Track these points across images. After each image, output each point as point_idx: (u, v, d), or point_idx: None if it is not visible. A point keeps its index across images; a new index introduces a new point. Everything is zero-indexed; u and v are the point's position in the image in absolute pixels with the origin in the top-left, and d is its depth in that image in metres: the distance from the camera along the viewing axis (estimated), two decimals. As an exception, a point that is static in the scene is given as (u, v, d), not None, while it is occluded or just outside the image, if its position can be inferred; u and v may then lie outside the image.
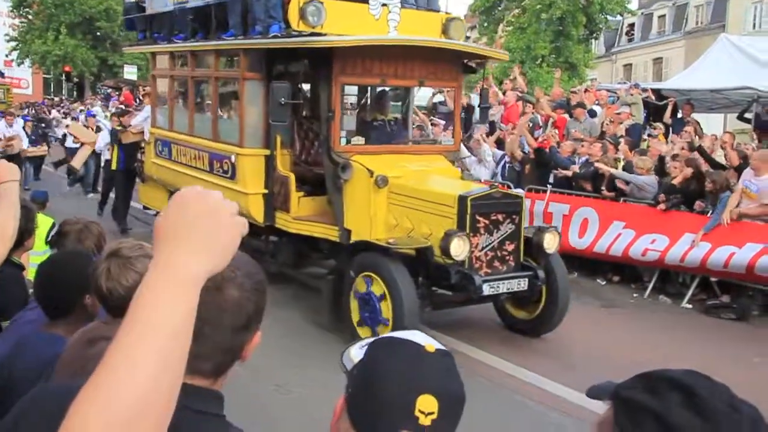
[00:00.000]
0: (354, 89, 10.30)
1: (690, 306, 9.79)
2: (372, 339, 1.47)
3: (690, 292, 9.92)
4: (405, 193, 7.86)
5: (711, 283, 9.91)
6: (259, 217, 9.12)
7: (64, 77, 50.91)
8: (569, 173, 11.48)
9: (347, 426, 1.38)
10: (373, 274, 7.35)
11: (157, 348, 1.03)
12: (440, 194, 7.60)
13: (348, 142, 8.51)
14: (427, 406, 1.33)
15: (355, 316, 7.47)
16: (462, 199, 7.32)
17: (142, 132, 12.31)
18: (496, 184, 9.24)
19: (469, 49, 8.81)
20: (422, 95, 12.70)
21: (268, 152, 9.04)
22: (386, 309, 7.17)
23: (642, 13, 45.25)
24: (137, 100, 32.75)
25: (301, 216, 8.82)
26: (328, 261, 9.34)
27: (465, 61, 8.98)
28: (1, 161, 2.68)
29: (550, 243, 7.69)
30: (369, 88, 9.73)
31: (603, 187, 11.01)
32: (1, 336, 3.29)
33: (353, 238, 8.14)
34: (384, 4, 8.55)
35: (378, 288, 7.32)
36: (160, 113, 11.63)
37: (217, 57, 9.61)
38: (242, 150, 9.09)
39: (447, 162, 8.83)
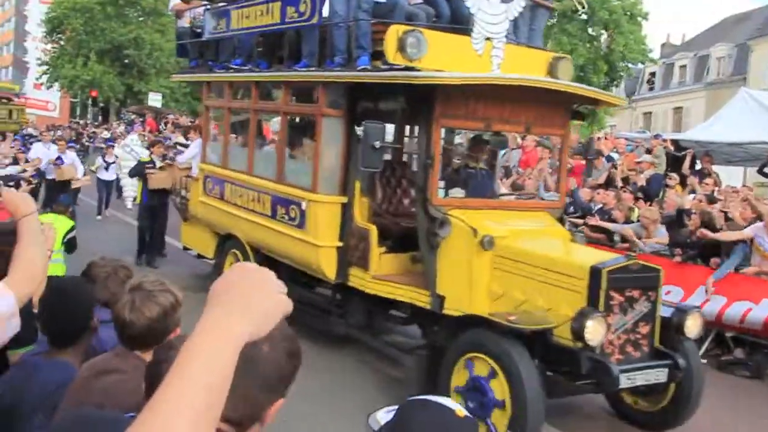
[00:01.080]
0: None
1: (704, 361, 8.44)
2: (397, 406, 1.46)
3: (704, 347, 8.98)
4: (517, 258, 6.39)
5: (726, 338, 9.32)
6: (331, 273, 7.65)
7: (90, 102, 50.08)
8: (608, 225, 10.43)
9: None
10: (482, 356, 5.89)
11: (194, 401, 1.06)
12: (567, 263, 6.12)
13: (446, 194, 7.05)
14: None
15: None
16: (596, 272, 5.85)
17: (190, 167, 10.89)
18: (633, 254, 7.71)
19: (589, 93, 7.36)
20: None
21: (345, 200, 7.60)
22: (499, 389, 5.73)
23: (663, 63, 44.06)
24: (160, 127, 31.79)
25: (382, 275, 7.35)
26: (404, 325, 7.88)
27: (575, 105, 7.55)
28: (14, 191, 2.62)
29: (692, 326, 6.20)
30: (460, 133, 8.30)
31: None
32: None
33: (447, 307, 6.67)
34: (488, 38, 7.13)
35: (483, 367, 5.86)
36: (212, 148, 10.20)
37: (288, 89, 8.19)
38: (315, 196, 7.64)
39: (553, 220, 7.37)
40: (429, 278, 6.83)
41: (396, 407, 1.48)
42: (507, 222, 6.90)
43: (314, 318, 8.19)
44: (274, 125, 12.23)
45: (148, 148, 16.05)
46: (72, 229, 8.62)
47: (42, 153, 15.76)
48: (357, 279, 7.51)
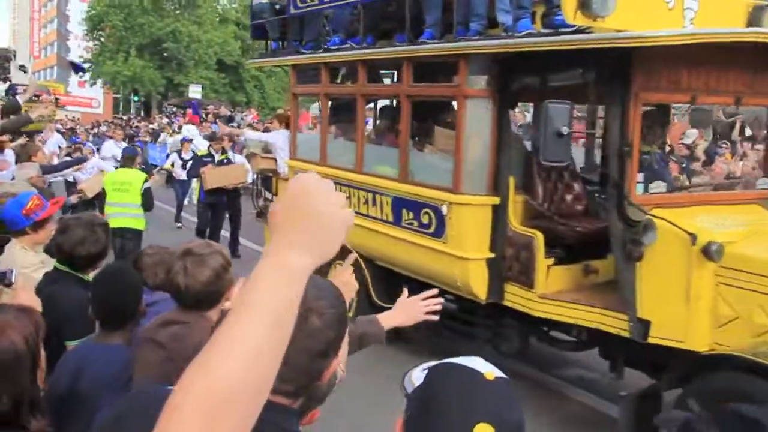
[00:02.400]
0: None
1: None
2: (433, 363, 1.34)
3: None
4: (756, 269, 4.60)
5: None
6: (481, 291, 5.89)
7: (132, 97, 48.89)
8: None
9: None
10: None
11: (262, 327, 0.99)
12: None
13: (646, 189, 5.23)
14: None
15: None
16: None
17: (274, 160, 9.12)
18: None
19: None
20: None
21: (496, 200, 5.82)
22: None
23: None
24: (201, 119, 30.29)
25: (552, 293, 5.59)
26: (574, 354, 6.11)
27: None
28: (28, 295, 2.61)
29: None
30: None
31: None
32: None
33: (655, 335, 4.90)
34: (679, -14, 5.28)
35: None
36: (304, 141, 8.45)
37: (410, 67, 6.37)
38: (458, 197, 5.86)
39: (768, 214, 5.55)
40: (627, 298, 5.05)
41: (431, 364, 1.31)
42: (724, 222, 5.08)
43: (453, 342, 6.49)
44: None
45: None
46: (146, 180, 8.42)
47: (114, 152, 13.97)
48: (517, 298, 5.75)
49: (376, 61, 6.98)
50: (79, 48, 47.90)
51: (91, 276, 3.34)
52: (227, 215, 11.36)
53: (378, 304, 7.03)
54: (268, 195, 9.33)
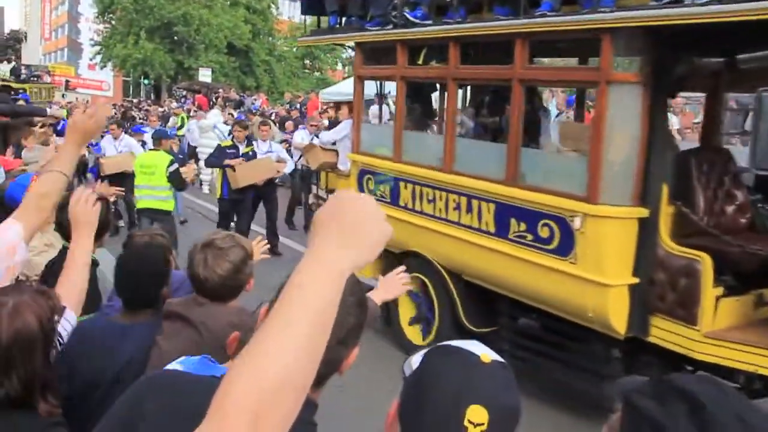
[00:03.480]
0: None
1: None
2: (431, 347, 1.27)
3: None
4: None
5: None
6: (620, 324, 4.56)
7: (143, 80, 47.36)
8: None
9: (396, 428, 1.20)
10: None
11: (306, 323, 0.98)
12: None
13: None
14: (476, 417, 1.14)
15: None
16: None
17: (336, 152, 7.71)
18: None
19: None
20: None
21: (645, 212, 4.48)
22: None
23: None
24: (211, 102, 28.85)
25: (720, 331, 4.26)
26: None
27: None
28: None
29: None
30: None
31: None
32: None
33: None
34: None
35: None
36: (370, 132, 7.07)
37: (525, 46, 4.98)
38: (597, 208, 4.50)
39: None
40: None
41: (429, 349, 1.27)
42: None
43: (569, 376, 5.19)
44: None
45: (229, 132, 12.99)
46: (172, 162, 8.18)
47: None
48: (670, 336, 4.42)
49: (475, 39, 5.57)
50: (89, 30, 46.17)
51: (96, 252, 3.11)
52: (264, 210, 10.01)
53: (468, 328, 5.73)
54: (321, 192, 7.96)
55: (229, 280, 2.44)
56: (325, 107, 23.91)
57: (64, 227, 3.08)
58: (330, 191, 7.96)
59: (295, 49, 49.14)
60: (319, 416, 1.42)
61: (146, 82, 47.09)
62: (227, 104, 25.88)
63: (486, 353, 1.23)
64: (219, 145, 10.92)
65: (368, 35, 6.53)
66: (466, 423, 1.14)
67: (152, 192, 8.20)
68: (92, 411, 2.19)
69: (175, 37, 44.09)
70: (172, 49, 44.38)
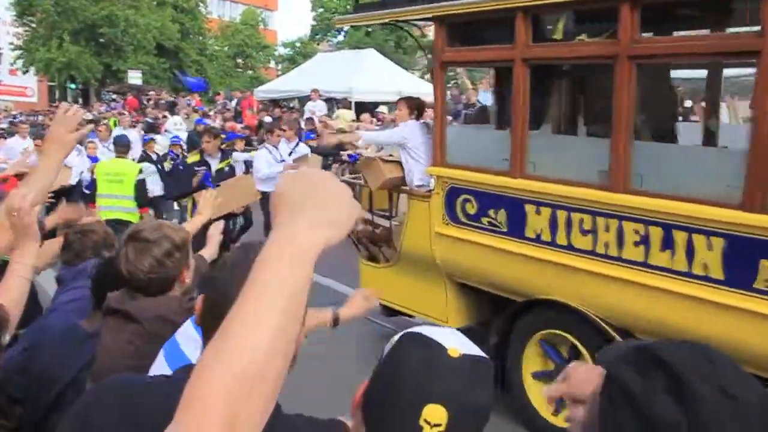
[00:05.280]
0: None
1: None
2: (405, 331, 1.14)
3: None
4: None
5: None
6: None
7: (69, 84, 43.63)
8: None
9: (359, 418, 1.10)
10: None
11: (278, 307, 0.87)
12: None
13: None
14: (433, 416, 1.01)
15: None
16: None
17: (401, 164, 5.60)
18: None
19: None
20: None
21: None
22: None
23: None
24: (142, 105, 26.33)
25: None
26: None
27: None
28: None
29: None
30: None
31: None
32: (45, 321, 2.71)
33: None
34: None
35: None
36: (460, 136, 5.05)
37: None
38: None
39: None
40: None
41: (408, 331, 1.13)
42: None
43: None
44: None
45: (194, 140, 10.65)
46: (140, 171, 7.72)
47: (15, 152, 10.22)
48: None
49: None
50: (8, 35, 41.99)
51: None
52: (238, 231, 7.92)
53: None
54: (367, 215, 5.87)
55: (153, 275, 2.21)
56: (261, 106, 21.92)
57: None
58: (382, 214, 5.90)
59: (226, 48, 46.46)
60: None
61: (73, 86, 43.50)
62: (159, 106, 23.49)
63: (456, 347, 1.08)
64: (183, 159, 8.60)
65: (460, 5, 4.48)
66: (422, 422, 1.02)
67: (118, 202, 7.46)
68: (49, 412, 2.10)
69: (101, 39, 40.75)
70: (99, 52, 40.97)
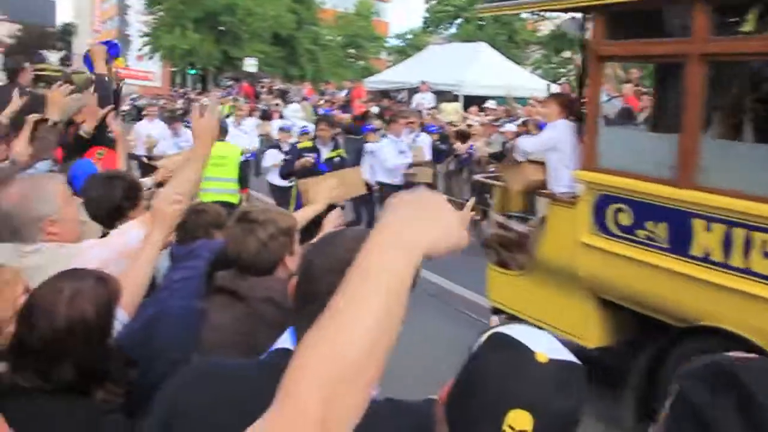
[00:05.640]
0: None
1: None
2: (493, 331, 1.07)
3: None
4: None
5: None
6: None
7: (189, 70, 45.52)
8: None
9: (442, 417, 1.07)
10: None
11: (379, 301, 0.85)
12: None
13: None
14: (518, 422, 0.96)
15: None
16: None
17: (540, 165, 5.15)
18: None
19: None
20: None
21: None
22: None
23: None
24: (256, 92, 26.70)
25: None
26: None
27: None
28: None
29: None
30: None
31: None
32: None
33: None
34: None
35: None
36: (614, 139, 4.55)
37: None
38: None
39: None
40: None
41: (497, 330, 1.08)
42: None
43: None
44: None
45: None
46: (242, 153, 7.80)
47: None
48: None
49: None
50: (137, 22, 44.24)
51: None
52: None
53: None
54: (500, 218, 5.46)
55: (258, 256, 2.21)
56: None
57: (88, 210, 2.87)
58: (510, 215, 5.48)
59: (339, 38, 46.94)
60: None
61: (192, 72, 45.34)
62: (272, 94, 23.79)
63: (544, 351, 1.01)
64: (294, 145, 8.50)
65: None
66: (505, 427, 0.97)
67: (222, 185, 7.32)
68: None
69: (221, 28, 42.22)
70: (218, 39, 42.53)
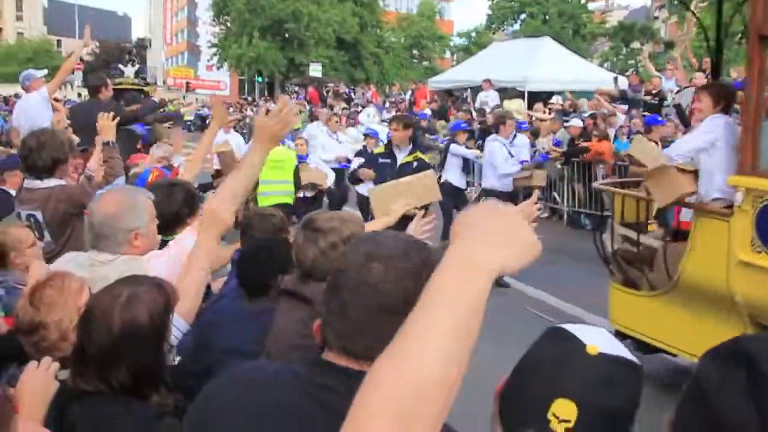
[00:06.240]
0: None
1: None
2: (551, 326, 1.08)
3: None
4: None
5: None
6: None
7: (256, 78, 46.15)
8: None
9: (496, 406, 1.07)
10: None
11: (452, 323, 0.85)
12: None
13: None
14: (563, 411, 0.94)
15: None
16: None
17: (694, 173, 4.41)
18: None
19: None
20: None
21: None
22: None
23: None
24: (322, 97, 26.45)
25: None
26: None
27: None
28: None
29: None
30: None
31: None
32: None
33: None
34: None
35: None
36: None
37: None
38: None
39: None
40: None
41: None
42: None
43: None
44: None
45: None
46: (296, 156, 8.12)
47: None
48: None
49: None
50: (207, 33, 45.22)
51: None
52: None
53: None
54: (626, 231, 4.79)
55: (316, 264, 2.22)
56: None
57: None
58: (634, 227, 4.81)
59: (402, 40, 46.60)
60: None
61: (260, 79, 45.97)
62: (336, 98, 23.56)
63: (596, 344, 0.99)
64: (365, 149, 7.97)
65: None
66: (549, 415, 0.96)
67: (280, 187, 7.55)
68: None
69: (286, 35, 42.82)
70: (284, 47, 43.17)
